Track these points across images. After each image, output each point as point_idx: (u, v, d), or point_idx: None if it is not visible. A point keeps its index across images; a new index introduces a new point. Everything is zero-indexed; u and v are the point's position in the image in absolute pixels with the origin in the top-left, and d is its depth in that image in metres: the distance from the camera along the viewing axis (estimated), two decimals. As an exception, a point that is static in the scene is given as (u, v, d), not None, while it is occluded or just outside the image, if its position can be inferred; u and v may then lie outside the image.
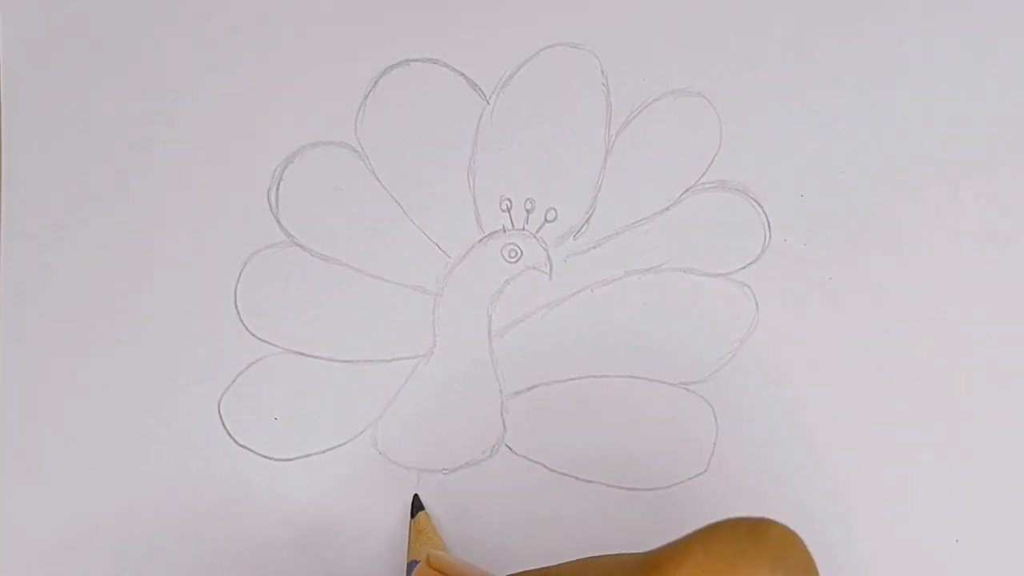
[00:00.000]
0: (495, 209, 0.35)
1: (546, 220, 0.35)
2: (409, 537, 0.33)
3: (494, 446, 0.35)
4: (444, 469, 0.35)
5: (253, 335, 0.35)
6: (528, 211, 0.35)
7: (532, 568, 0.28)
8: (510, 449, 0.35)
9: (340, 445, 0.35)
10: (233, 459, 0.35)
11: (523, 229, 0.35)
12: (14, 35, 0.37)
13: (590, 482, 0.34)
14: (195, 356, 0.35)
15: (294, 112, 0.36)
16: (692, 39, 0.35)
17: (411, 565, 0.32)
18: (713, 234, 0.35)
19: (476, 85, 0.36)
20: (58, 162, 0.36)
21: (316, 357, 0.35)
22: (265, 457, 0.35)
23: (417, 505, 0.34)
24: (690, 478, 0.34)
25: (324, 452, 0.35)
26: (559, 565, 0.28)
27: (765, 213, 0.35)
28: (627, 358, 0.35)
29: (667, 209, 0.35)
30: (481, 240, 0.35)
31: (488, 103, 0.36)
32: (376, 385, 0.35)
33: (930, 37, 0.35)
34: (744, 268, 0.35)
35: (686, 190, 0.35)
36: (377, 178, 0.36)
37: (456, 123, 0.36)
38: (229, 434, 0.35)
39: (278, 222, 0.36)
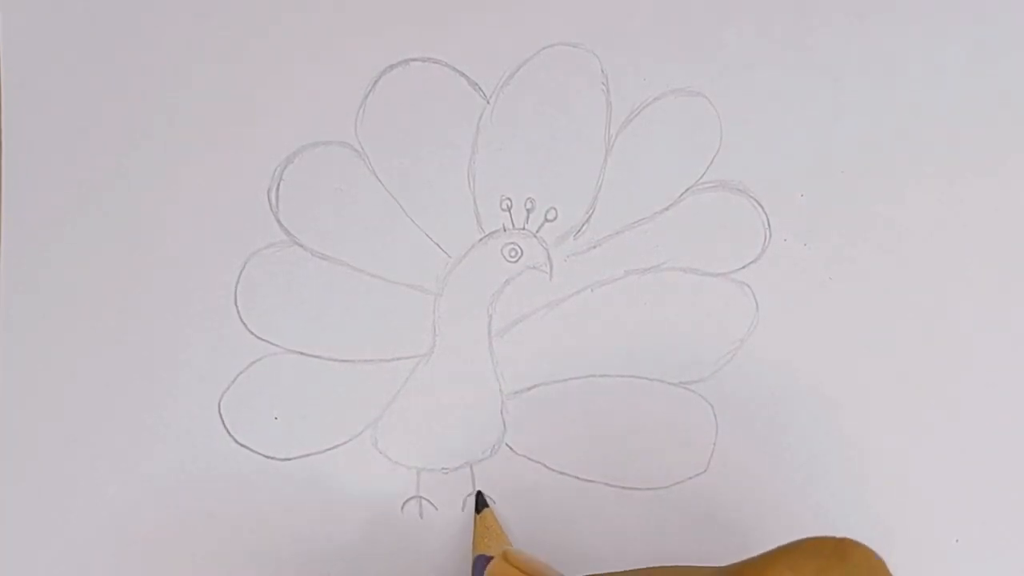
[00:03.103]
0: (495, 209, 0.35)
1: (546, 220, 0.35)
2: (475, 532, 0.34)
3: (494, 445, 0.35)
4: (444, 468, 0.35)
5: (253, 335, 0.35)
6: (528, 211, 0.35)
7: (603, 572, 0.28)
8: (510, 448, 0.35)
9: (340, 444, 0.35)
10: (233, 459, 0.35)
11: (523, 229, 0.35)
12: (14, 35, 0.37)
13: (590, 482, 0.34)
14: (195, 356, 0.35)
15: (294, 112, 0.36)
16: (692, 39, 0.35)
17: (480, 559, 0.32)
18: (713, 234, 0.35)
19: (476, 85, 0.36)
20: (58, 161, 0.36)
21: (316, 357, 0.35)
22: (265, 457, 0.35)
23: (482, 502, 0.34)
24: (690, 478, 0.34)
25: (324, 452, 0.35)
26: (630, 571, 0.28)
27: (765, 213, 0.35)
28: (627, 358, 0.35)
29: (667, 209, 0.35)
30: (481, 240, 0.35)
31: (488, 103, 0.36)
32: (376, 385, 0.35)
33: (930, 37, 0.35)
34: (744, 268, 0.35)
35: (686, 190, 0.35)
36: (377, 178, 0.36)
37: (456, 123, 0.36)
38: (229, 433, 0.35)
39: (278, 222, 0.36)
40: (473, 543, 0.34)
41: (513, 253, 0.35)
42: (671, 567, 0.27)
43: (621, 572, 0.27)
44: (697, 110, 0.35)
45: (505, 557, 0.29)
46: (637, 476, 0.34)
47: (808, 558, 0.23)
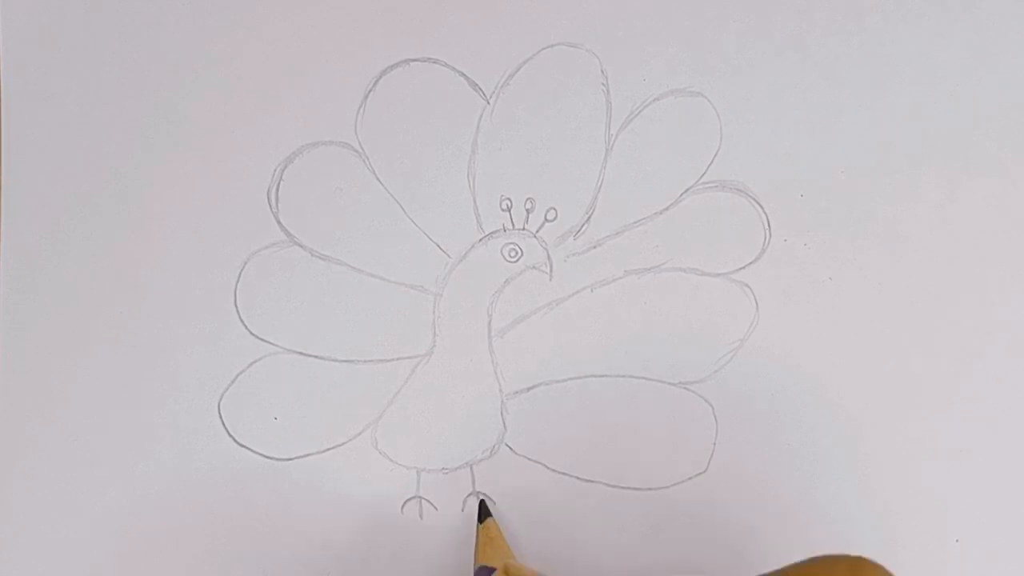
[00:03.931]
0: (495, 209, 0.35)
1: (546, 220, 0.35)
2: (477, 542, 0.33)
3: (494, 446, 0.35)
4: (444, 469, 0.35)
5: (253, 335, 0.35)
6: (528, 211, 0.35)
7: None
8: (510, 449, 0.35)
9: (340, 445, 0.35)
10: (233, 459, 0.35)
11: (523, 229, 0.35)
12: (14, 35, 0.37)
13: (590, 482, 0.34)
14: (195, 356, 0.35)
15: (295, 112, 0.36)
16: (692, 39, 0.35)
17: (482, 570, 0.32)
18: (713, 234, 0.35)
19: (476, 85, 0.36)
20: (58, 162, 0.36)
21: (316, 357, 0.35)
22: (265, 457, 0.35)
23: (484, 511, 0.34)
24: (690, 478, 0.34)
25: (324, 452, 0.35)
26: None
27: (765, 213, 0.35)
28: (627, 358, 0.35)
29: (667, 209, 0.35)
30: (481, 240, 0.35)
31: (488, 103, 0.36)
32: (376, 385, 0.35)
33: (930, 37, 0.35)
34: (744, 268, 0.35)
35: (686, 190, 0.35)
36: (377, 178, 0.36)
37: (456, 123, 0.36)
38: (229, 434, 0.35)
39: (278, 222, 0.36)
40: (475, 552, 0.34)
41: (513, 253, 0.35)
42: None
43: None
44: (697, 110, 0.35)
45: (506, 571, 0.29)
46: (637, 476, 0.34)
47: None
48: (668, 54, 0.35)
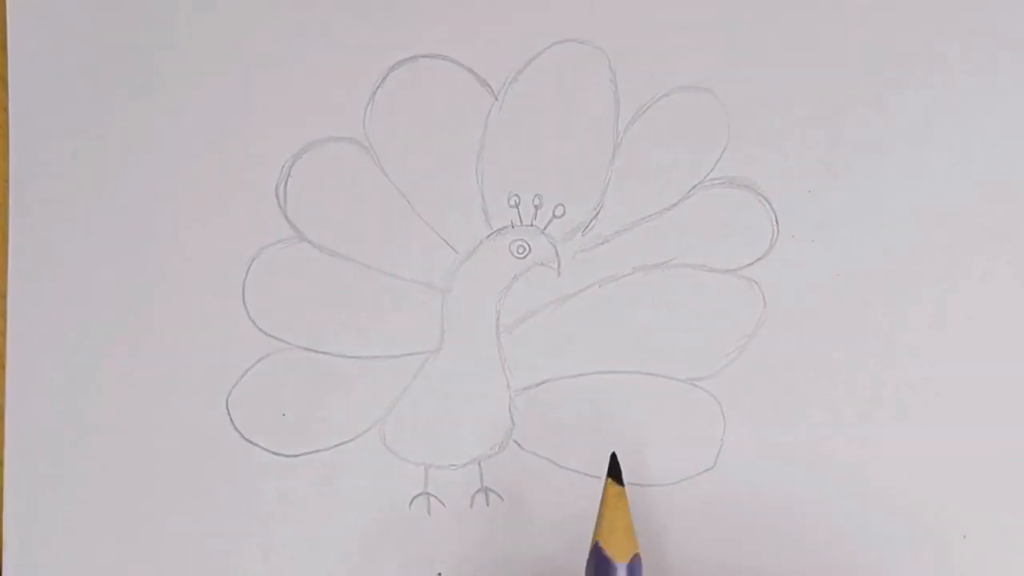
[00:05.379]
0: (503, 205, 0.35)
1: (554, 216, 0.35)
2: None
3: (502, 442, 0.35)
4: (452, 465, 0.35)
5: (261, 331, 0.35)
6: (536, 207, 0.35)
7: None
8: (518, 445, 0.35)
9: (348, 441, 0.35)
10: (241, 455, 0.35)
11: (531, 225, 0.35)
12: (22, 33, 0.37)
13: (598, 478, 0.34)
14: (203, 352, 0.35)
15: (303, 108, 0.36)
16: (700, 35, 0.35)
17: None
18: (721, 230, 0.35)
19: (485, 81, 0.36)
20: (66, 159, 0.36)
21: (324, 353, 0.35)
22: (273, 453, 0.35)
23: None
24: (698, 474, 0.34)
25: (332, 448, 0.35)
26: None
27: (773, 209, 0.35)
28: (635, 354, 0.35)
29: (675, 205, 0.35)
30: (489, 236, 0.35)
31: (496, 99, 0.36)
32: (384, 381, 0.35)
33: (939, 33, 0.35)
34: (752, 264, 0.35)
35: (694, 186, 0.35)
36: (385, 174, 0.36)
37: (465, 119, 0.36)
38: (237, 430, 0.35)
39: (286, 218, 0.36)
40: None
41: (521, 249, 0.35)
42: None
43: None
44: (705, 106, 0.35)
45: None
46: (645, 472, 0.34)
47: None
48: (676, 50, 0.35)
